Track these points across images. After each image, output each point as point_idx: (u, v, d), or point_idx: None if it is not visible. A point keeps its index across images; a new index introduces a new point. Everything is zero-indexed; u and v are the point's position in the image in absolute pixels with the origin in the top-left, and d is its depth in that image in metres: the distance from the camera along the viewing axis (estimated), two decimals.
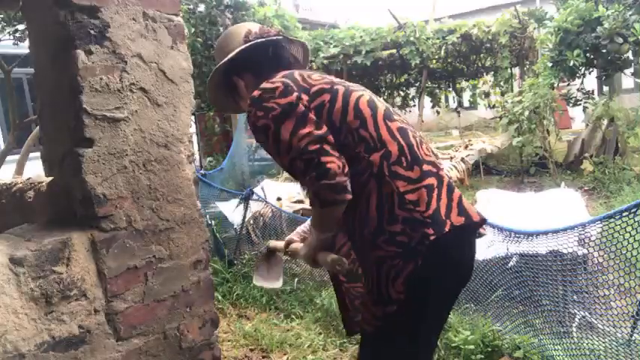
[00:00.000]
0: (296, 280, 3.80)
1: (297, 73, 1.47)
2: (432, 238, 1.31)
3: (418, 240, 1.32)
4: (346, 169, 1.32)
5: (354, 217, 1.41)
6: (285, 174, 4.72)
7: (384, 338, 1.44)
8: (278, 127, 1.37)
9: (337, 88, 1.44)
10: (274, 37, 1.58)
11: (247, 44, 1.53)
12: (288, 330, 3.24)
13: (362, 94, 1.46)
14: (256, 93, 1.42)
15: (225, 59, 1.48)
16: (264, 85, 1.43)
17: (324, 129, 1.36)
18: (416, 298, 1.36)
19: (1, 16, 5.12)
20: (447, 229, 1.34)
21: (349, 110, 1.40)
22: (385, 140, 1.39)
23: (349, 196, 1.33)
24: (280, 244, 1.91)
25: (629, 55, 7.30)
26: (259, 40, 1.55)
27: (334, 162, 1.31)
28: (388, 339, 1.44)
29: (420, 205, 1.34)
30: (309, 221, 1.83)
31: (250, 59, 1.52)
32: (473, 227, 1.44)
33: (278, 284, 1.85)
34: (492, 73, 11.47)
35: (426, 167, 1.40)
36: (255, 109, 1.40)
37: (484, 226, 1.56)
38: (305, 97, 1.40)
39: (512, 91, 9.11)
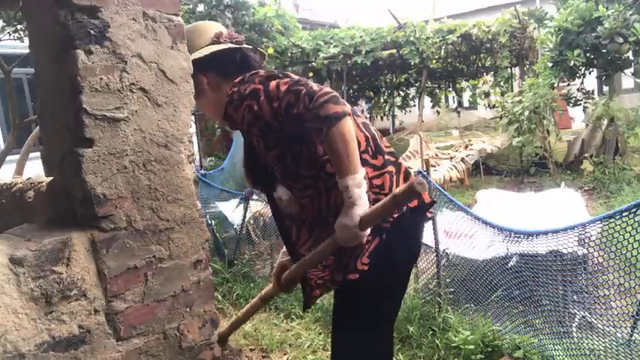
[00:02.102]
0: None
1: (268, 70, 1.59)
2: (395, 216, 1.49)
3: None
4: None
5: (327, 200, 1.51)
6: None
7: (351, 312, 1.59)
8: (267, 84, 1.42)
9: (301, 79, 1.54)
10: (243, 45, 1.66)
11: (224, 46, 1.59)
12: (288, 330, 3.24)
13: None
14: (239, 78, 1.51)
15: (198, 55, 1.53)
16: (246, 75, 1.51)
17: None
18: (377, 269, 1.51)
19: (1, 16, 5.12)
20: (405, 210, 1.52)
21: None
22: (355, 131, 1.50)
23: (348, 107, 1.38)
24: (269, 289, 1.86)
25: (629, 55, 7.30)
26: (232, 46, 1.62)
27: (317, 86, 1.39)
28: (355, 312, 1.58)
29: (384, 189, 1.52)
30: None
31: (219, 60, 1.58)
32: (425, 209, 1.62)
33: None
34: (492, 73, 11.47)
35: (387, 157, 1.59)
36: (238, 87, 1.46)
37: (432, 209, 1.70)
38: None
39: (512, 91, 9.12)
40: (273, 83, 1.43)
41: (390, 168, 1.57)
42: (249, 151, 1.68)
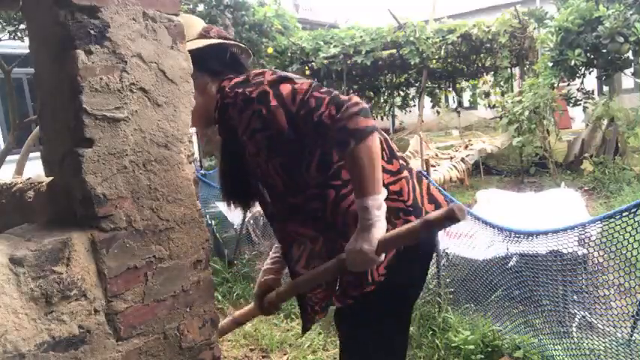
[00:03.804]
0: None
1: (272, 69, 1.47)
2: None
3: (401, 226, 1.36)
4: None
5: (335, 212, 1.40)
6: None
7: (366, 326, 1.48)
8: (277, 87, 1.31)
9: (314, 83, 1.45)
10: (233, 42, 1.54)
11: (214, 41, 1.47)
12: (288, 330, 3.24)
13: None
14: (239, 78, 1.39)
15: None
16: (247, 74, 1.40)
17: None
18: (396, 280, 1.43)
19: (2, 16, 5.12)
20: (423, 216, 1.40)
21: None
22: None
23: (368, 118, 1.26)
24: (247, 310, 1.71)
25: (630, 54, 7.30)
26: (224, 41, 1.50)
27: (342, 95, 1.28)
28: (372, 329, 1.48)
29: (402, 195, 1.42)
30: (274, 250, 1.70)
31: (208, 56, 1.45)
32: None
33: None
34: (492, 73, 11.47)
35: (401, 161, 1.49)
36: (243, 88, 1.34)
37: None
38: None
39: (512, 91, 9.12)
40: (286, 87, 1.31)
41: (406, 173, 1.46)
42: (228, 161, 1.54)
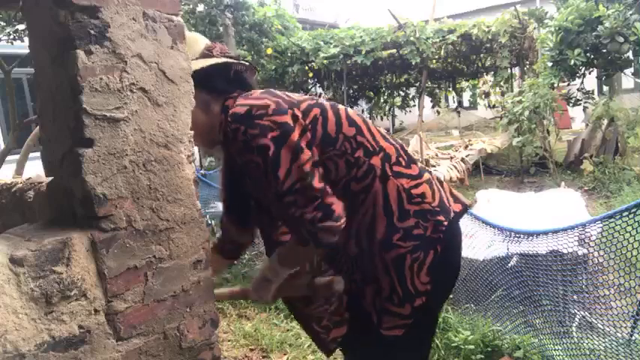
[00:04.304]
0: None
1: (275, 91, 1.42)
2: (445, 224, 1.41)
3: (432, 229, 1.40)
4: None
5: (358, 226, 1.40)
6: None
7: (413, 337, 1.45)
8: (278, 149, 1.28)
9: (322, 102, 1.43)
10: (237, 61, 1.51)
11: (218, 60, 1.44)
12: (288, 330, 3.24)
13: (344, 107, 1.49)
14: (241, 109, 1.32)
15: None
16: (248, 101, 1.34)
17: (316, 157, 1.33)
18: (439, 284, 1.43)
19: (1, 16, 5.12)
20: (452, 216, 1.45)
21: (343, 120, 1.41)
22: (382, 144, 1.43)
23: (335, 238, 1.33)
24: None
25: (630, 54, 7.30)
26: (229, 60, 1.47)
27: (337, 204, 1.30)
28: (418, 336, 1.49)
29: (426, 197, 1.43)
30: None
31: (211, 76, 1.42)
32: (464, 212, 1.56)
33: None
34: (492, 73, 11.45)
35: (419, 164, 1.50)
36: (245, 127, 1.30)
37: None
38: (298, 113, 1.35)
39: (512, 91, 9.11)
40: (286, 152, 1.28)
41: (426, 176, 1.47)
42: (229, 177, 1.57)
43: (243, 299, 1.72)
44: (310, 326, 1.63)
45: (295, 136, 1.31)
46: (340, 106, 1.46)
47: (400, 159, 1.44)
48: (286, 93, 1.44)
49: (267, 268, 1.49)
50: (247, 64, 1.54)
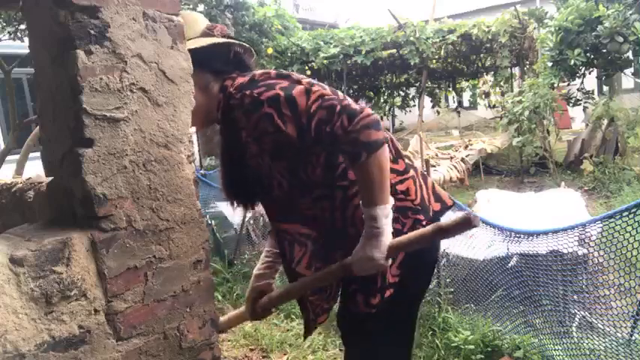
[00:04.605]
0: None
1: (277, 70, 1.43)
2: (424, 223, 1.41)
3: (410, 226, 1.42)
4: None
5: (343, 213, 1.40)
6: None
7: (382, 326, 1.47)
8: (290, 92, 1.27)
9: (322, 84, 1.40)
10: (237, 41, 1.51)
11: (219, 40, 1.44)
12: (288, 330, 3.24)
13: (344, 93, 1.45)
14: (244, 79, 1.35)
15: (189, 47, 1.35)
16: (250, 74, 1.37)
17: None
18: (410, 279, 1.45)
19: (2, 16, 5.12)
20: (431, 215, 1.46)
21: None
22: None
23: (379, 130, 1.26)
24: (235, 316, 1.67)
25: (630, 54, 7.30)
26: (229, 40, 1.47)
27: (353, 103, 1.27)
28: (386, 326, 1.48)
29: (409, 194, 1.44)
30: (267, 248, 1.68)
31: (212, 55, 1.42)
32: (445, 211, 1.53)
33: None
34: (492, 73, 11.46)
35: (406, 160, 1.50)
36: (250, 90, 1.30)
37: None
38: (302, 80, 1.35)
39: (512, 91, 9.11)
40: (298, 92, 1.28)
41: (412, 172, 1.47)
42: (229, 162, 1.52)
43: (334, 279, 1.47)
44: (307, 312, 1.60)
45: (302, 87, 1.30)
46: (340, 92, 1.42)
47: (390, 152, 1.42)
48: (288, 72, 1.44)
49: (368, 218, 1.29)
50: (247, 45, 1.54)
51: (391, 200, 1.32)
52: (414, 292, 1.55)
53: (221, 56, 1.45)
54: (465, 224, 1.21)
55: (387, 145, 1.29)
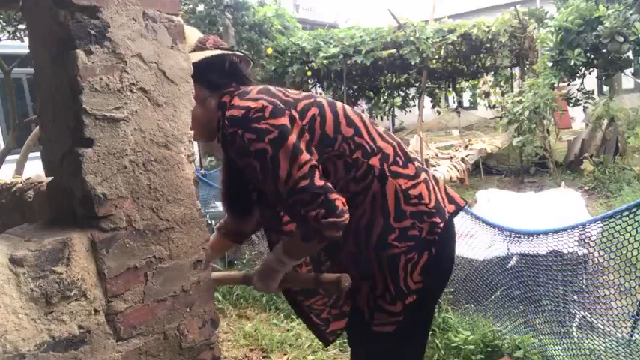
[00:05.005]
0: None
1: (273, 88, 1.41)
2: (441, 226, 1.42)
3: (428, 230, 1.41)
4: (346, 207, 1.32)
5: (356, 225, 1.41)
6: None
7: (404, 333, 1.46)
8: (276, 151, 1.29)
9: (320, 101, 1.42)
10: (231, 52, 1.50)
11: (211, 52, 1.43)
12: (288, 330, 3.24)
13: (342, 104, 1.47)
14: (238, 112, 1.33)
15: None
16: (245, 103, 1.34)
17: (315, 156, 1.33)
18: (431, 283, 1.45)
19: (2, 16, 5.12)
20: (447, 217, 1.46)
21: (341, 120, 1.40)
22: (380, 144, 1.43)
23: (340, 233, 1.33)
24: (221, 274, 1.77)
25: (630, 54, 7.30)
26: (222, 52, 1.46)
27: (340, 199, 1.30)
28: (408, 332, 1.48)
29: (423, 198, 1.43)
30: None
31: (206, 69, 1.41)
32: (458, 212, 1.55)
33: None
34: (492, 73, 11.47)
35: (416, 164, 1.49)
36: (242, 131, 1.31)
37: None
38: (295, 114, 1.34)
39: (512, 91, 9.11)
40: (284, 160, 1.28)
41: (424, 175, 1.47)
42: (230, 175, 1.56)
43: (245, 284, 1.76)
44: (309, 318, 1.65)
45: (293, 138, 1.31)
46: (339, 105, 1.45)
47: (397, 158, 1.44)
48: (284, 90, 1.43)
49: (273, 258, 1.47)
50: (241, 54, 1.54)
51: (294, 262, 1.46)
52: (433, 297, 1.56)
53: (216, 69, 1.44)
54: (337, 285, 1.41)
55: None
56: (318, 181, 1.29)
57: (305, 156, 1.31)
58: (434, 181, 1.51)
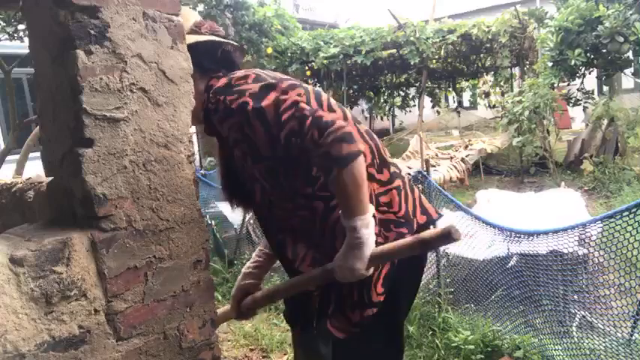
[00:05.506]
0: None
1: (260, 70, 1.39)
2: (407, 236, 1.34)
3: (394, 239, 1.34)
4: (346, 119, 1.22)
5: (324, 224, 1.36)
6: None
7: (360, 342, 1.41)
8: (258, 101, 1.25)
9: (307, 87, 1.37)
10: (225, 40, 1.48)
11: (205, 37, 1.42)
12: (288, 330, 3.24)
13: (328, 96, 1.40)
14: (222, 82, 1.33)
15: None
16: (230, 75, 1.34)
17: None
18: (393, 296, 1.39)
19: (2, 16, 5.12)
20: (415, 228, 1.39)
21: (324, 107, 1.33)
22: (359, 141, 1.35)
23: (362, 146, 1.23)
24: (220, 313, 1.62)
25: (630, 54, 7.30)
26: (215, 38, 1.45)
27: (329, 115, 1.23)
28: (365, 342, 1.42)
29: (392, 206, 1.38)
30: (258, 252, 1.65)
31: (199, 53, 1.38)
32: (430, 224, 1.47)
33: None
34: (492, 73, 11.47)
35: (392, 169, 1.43)
36: (224, 96, 1.30)
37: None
38: (281, 85, 1.30)
39: (512, 91, 9.11)
40: (269, 101, 1.24)
41: (397, 182, 1.41)
42: (225, 162, 1.51)
43: (323, 283, 1.40)
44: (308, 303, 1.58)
45: (275, 93, 1.27)
46: (324, 96, 1.38)
47: (374, 161, 1.38)
48: (273, 73, 1.40)
49: (349, 229, 1.25)
50: (237, 44, 1.52)
51: (371, 208, 1.28)
52: (397, 309, 1.48)
53: (208, 54, 1.43)
54: (447, 237, 1.20)
55: (362, 156, 1.23)
56: (302, 110, 1.22)
57: (288, 98, 1.25)
58: (408, 189, 1.44)
